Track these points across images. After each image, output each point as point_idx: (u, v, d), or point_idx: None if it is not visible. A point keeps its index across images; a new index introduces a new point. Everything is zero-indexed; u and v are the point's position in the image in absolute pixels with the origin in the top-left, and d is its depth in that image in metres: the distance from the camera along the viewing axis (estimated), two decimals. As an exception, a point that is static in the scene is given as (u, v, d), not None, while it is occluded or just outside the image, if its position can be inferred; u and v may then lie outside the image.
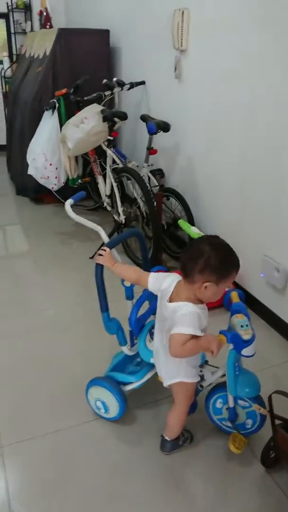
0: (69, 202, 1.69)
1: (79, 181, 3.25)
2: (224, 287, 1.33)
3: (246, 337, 1.39)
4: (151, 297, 1.73)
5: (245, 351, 1.41)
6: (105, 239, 1.66)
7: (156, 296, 1.74)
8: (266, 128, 2.07)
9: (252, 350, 1.43)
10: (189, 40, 2.57)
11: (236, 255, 1.34)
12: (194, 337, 1.30)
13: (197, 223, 2.67)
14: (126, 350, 1.69)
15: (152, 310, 1.75)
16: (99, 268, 1.53)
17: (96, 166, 3.10)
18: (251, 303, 2.31)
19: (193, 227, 2.35)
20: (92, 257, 2.98)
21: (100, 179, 3.10)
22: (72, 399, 1.80)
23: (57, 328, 2.29)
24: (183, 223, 2.38)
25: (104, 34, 3.53)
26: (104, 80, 3.04)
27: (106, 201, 3.07)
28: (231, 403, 1.55)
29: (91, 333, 2.23)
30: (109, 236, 2.87)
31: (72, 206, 1.71)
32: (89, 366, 1.96)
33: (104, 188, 3.09)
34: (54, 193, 3.64)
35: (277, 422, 1.44)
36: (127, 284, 1.67)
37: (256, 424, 1.56)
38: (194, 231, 2.30)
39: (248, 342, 1.40)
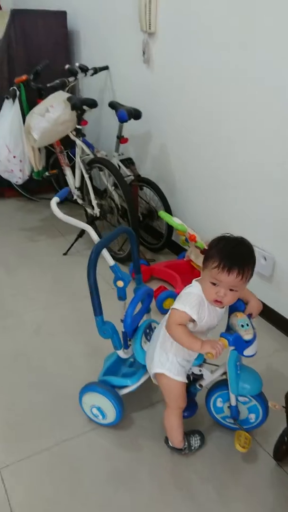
0: (54, 200, 1.56)
1: (46, 173, 3.08)
2: (207, 278, 1.27)
3: (247, 337, 1.35)
4: (144, 297, 1.66)
5: (247, 351, 1.38)
6: (95, 238, 1.55)
7: (148, 296, 1.68)
8: (239, 114, 2.02)
9: (254, 349, 1.39)
10: (158, 22, 2.46)
11: (232, 248, 1.24)
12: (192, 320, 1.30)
13: (174, 213, 2.60)
14: (122, 353, 1.61)
15: (145, 310, 1.68)
16: (92, 270, 1.42)
17: (63, 157, 2.94)
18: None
19: (174, 217, 2.28)
20: (65, 253, 2.85)
21: (68, 171, 2.95)
22: (65, 410, 1.71)
23: (36, 332, 2.16)
24: (164, 214, 2.30)
25: (60, 16, 3.32)
26: (67, 66, 2.86)
27: (76, 193, 2.93)
28: (233, 402, 1.51)
29: (74, 336, 2.13)
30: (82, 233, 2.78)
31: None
32: (77, 372, 1.87)
33: (72, 180, 2.94)
34: (17, 187, 3.44)
35: None
36: (120, 284, 1.57)
37: (259, 417, 1.54)
38: (177, 222, 2.23)
39: (249, 342, 1.36)
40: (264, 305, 2.19)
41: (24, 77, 2.87)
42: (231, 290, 1.27)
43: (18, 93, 2.86)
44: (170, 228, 2.70)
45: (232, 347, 1.36)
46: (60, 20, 3.33)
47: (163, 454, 1.55)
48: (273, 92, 1.85)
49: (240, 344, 1.33)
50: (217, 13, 2.04)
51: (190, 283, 1.38)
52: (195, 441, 1.54)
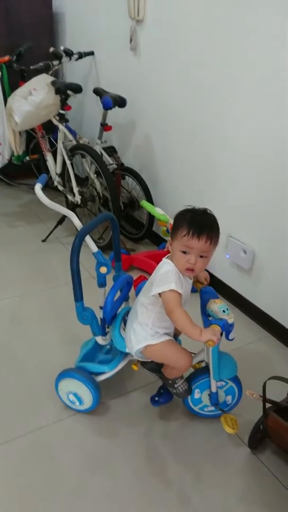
0: (39, 186, 1.54)
1: (27, 158, 3.02)
2: (178, 248, 1.33)
3: (231, 321, 1.41)
4: (124, 285, 1.66)
5: (231, 335, 1.43)
6: (78, 224, 1.54)
7: (128, 283, 1.68)
8: (226, 104, 2.03)
9: (234, 333, 1.44)
10: (147, 10, 2.43)
11: (198, 216, 1.33)
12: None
13: (156, 203, 2.59)
14: (100, 340, 1.60)
15: (124, 298, 1.69)
16: (75, 255, 1.40)
17: (45, 142, 2.89)
18: (215, 284, 2.30)
19: (157, 208, 2.27)
20: (44, 240, 2.81)
21: (49, 157, 2.90)
22: (41, 397, 1.70)
23: (11, 319, 2.13)
24: (146, 204, 2.29)
25: (46, -3, 3.25)
26: (51, 49, 2.80)
27: (56, 180, 2.89)
28: (214, 388, 1.55)
29: (50, 323, 2.11)
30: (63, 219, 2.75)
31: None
32: (53, 359, 1.86)
33: (53, 166, 2.90)
34: (-5, 171, 3.36)
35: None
36: (103, 270, 1.57)
37: (235, 398, 1.60)
38: (159, 212, 2.22)
39: (232, 326, 1.42)
40: (242, 297, 2.25)
41: (6, 57, 2.81)
42: (201, 257, 1.33)
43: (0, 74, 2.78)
44: (151, 219, 2.70)
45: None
46: (45, 1, 3.26)
47: (140, 440, 1.56)
48: (263, 82, 1.84)
49: (227, 329, 1.37)
50: (206, 2, 2.03)
51: None
52: (182, 384, 1.54)
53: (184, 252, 1.32)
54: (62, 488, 1.39)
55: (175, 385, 1.54)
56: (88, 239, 1.54)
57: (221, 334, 1.39)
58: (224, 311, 1.41)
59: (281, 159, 1.85)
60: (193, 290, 1.51)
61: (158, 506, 1.36)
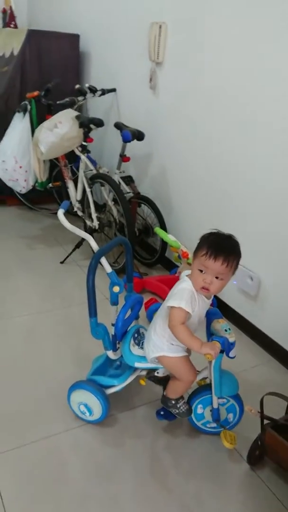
0: (61, 211, 1.70)
1: (50, 185, 3.22)
2: (196, 266, 1.43)
3: (232, 339, 1.51)
4: (134, 304, 1.79)
5: (231, 353, 1.53)
6: (95, 247, 1.69)
7: (138, 303, 1.81)
8: (237, 139, 2.19)
9: (235, 351, 1.55)
10: (166, 54, 2.65)
11: (220, 240, 1.43)
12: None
13: (169, 230, 2.74)
14: (111, 354, 1.72)
15: (134, 316, 1.80)
16: (91, 274, 1.54)
17: (67, 170, 3.08)
18: (222, 308, 2.41)
19: (169, 234, 2.42)
20: (62, 262, 2.97)
21: (70, 184, 3.09)
22: (54, 407, 1.80)
23: (28, 335, 2.25)
24: (160, 231, 2.44)
25: (74, 38, 3.52)
26: (77, 86, 3.04)
27: (76, 205, 3.07)
28: (215, 404, 1.64)
29: (64, 340, 2.23)
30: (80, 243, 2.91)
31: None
32: (65, 374, 1.96)
33: (74, 193, 3.08)
34: (19, 196, 3.58)
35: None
36: (116, 290, 1.70)
37: (236, 416, 1.68)
38: (171, 238, 2.37)
39: (233, 344, 1.52)
40: (248, 322, 2.34)
41: (35, 93, 3.04)
42: (217, 278, 1.41)
43: (29, 107, 3.02)
44: (164, 245, 2.84)
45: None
46: (73, 42, 3.54)
47: (145, 451, 1.65)
48: (274, 117, 2.00)
49: (227, 346, 1.48)
50: (222, 46, 2.22)
51: None
52: (183, 405, 1.64)
53: (201, 271, 1.41)
54: (69, 492, 1.48)
55: (177, 405, 1.64)
56: (103, 260, 1.68)
57: (222, 352, 1.50)
58: (226, 330, 1.52)
59: (285, 196, 1.99)
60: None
61: (160, 510, 1.44)
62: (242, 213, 2.26)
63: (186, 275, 1.51)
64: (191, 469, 1.60)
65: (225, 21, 2.19)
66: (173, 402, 1.64)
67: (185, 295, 1.44)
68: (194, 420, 1.72)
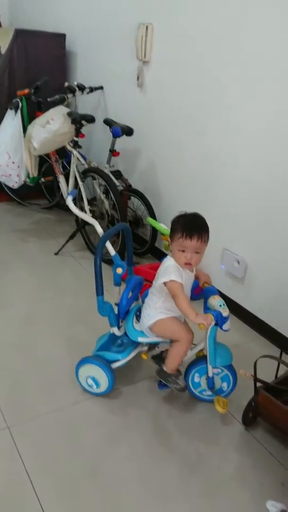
0: (70, 198, 1.83)
1: (42, 179, 3.33)
2: (176, 247, 1.63)
3: (225, 314, 1.68)
4: (136, 286, 1.93)
5: (225, 326, 1.70)
6: (100, 232, 1.82)
7: (139, 284, 1.96)
8: (221, 135, 2.37)
9: (229, 325, 1.71)
10: (152, 53, 2.80)
11: (190, 220, 1.63)
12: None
13: (159, 221, 2.88)
14: (116, 330, 1.87)
15: (135, 297, 1.95)
16: (99, 255, 1.69)
17: (58, 165, 3.20)
18: (212, 292, 2.59)
19: (160, 223, 2.57)
20: (57, 253, 3.08)
21: (61, 179, 3.21)
22: (62, 383, 1.94)
23: (28, 321, 2.38)
24: (151, 220, 2.59)
25: (59, 38, 3.63)
26: (66, 83, 3.16)
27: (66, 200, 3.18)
28: (210, 373, 1.80)
29: (67, 324, 2.36)
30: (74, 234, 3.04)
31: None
32: (70, 353, 2.10)
33: (66, 187, 3.20)
34: (9, 191, 3.66)
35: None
36: (119, 271, 1.84)
37: (230, 385, 1.85)
38: (163, 227, 2.52)
39: (227, 318, 1.68)
40: (235, 303, 2.52)
41: (26, 90, 3.14)
42: (196, 253, 1.63)
43: (20, 105, 3.11)
44: (153, 235, 2.99)
45: (212, 324, 1.65)
46: (59, 42, 3.64)
47: (149, 418, 1.81)
48: (264, 107, 2.15)
49: (220, 320, 1.64)
50: (207, 46, 2.39)
51: None
52: (181, 380, 1.81)
53: (182, 251, 1.62)
54: (84, 454, 1.63)
55: (177, 381, 1.80)
56: (108, 244, 1.82)
57: (217, 324, 1.67)
58: (220, 305, 1.68)
59: (270, 183, 2.17)
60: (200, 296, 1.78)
61: (166, 467, 1.61)
62: (228, 203, 2.44)
63: (169, 255, 1.73)
64: (191, 432, 1.77)
65: (209, 23, 2.35)
66: (173, 377, 1.80)
67: (172, 270, 1.65)
68: (192, 388, 1.88)
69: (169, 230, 2.49)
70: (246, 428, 1.78)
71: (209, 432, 1.78)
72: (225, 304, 1.69)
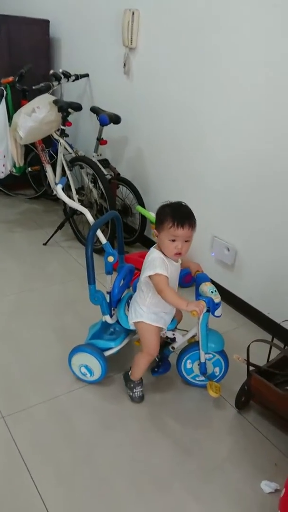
0: (60, 186, 1.81)
1: (29, 169, 3.29)
2: (166, 238, 1.60)
3: (217, 300, 1.69)
4: (127, 274, 1.93)
5: (217, 312, 1.71)
6: (91, 220, 1.81)
7: (130, 272, 1.96)
8: (206, 122, 2.36)
9: (220, 311, 1.72)
10: (139, 40, 2.77)
11: (178, 209, 1.60)
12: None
13: (148, 209, 2.88)
14: (108, 318, 1.87)
15: (127, 285, 1.96)
16: (90, 244, 1.67)
17: (45, 155, 3.16)
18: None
19: (150, 212, 2.57)
20: (46, 243, 3.06)
21: (48, 168, 3.17)
22: (55, 372, 1.94)
23: (18, 311, 2.36)
24: (141, 209, 2.58)
25: (44, 24, 3.56)
26: (51, 71, 3.11)
27: (55, 189, 3.15)
28: (202, 359, 1.82)
29: (57, 314, 2.36)
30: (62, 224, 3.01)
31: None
32: (61, 343, 2.10)
33: (53, 177, 3.17)
34: (-6, 182, 3.61)
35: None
36: (110, 259, 1.84)
37: (222, 370, 1.87)
38: (152, 215, 2.51)
39: (218, 304, 1.69)
40: (225, 290, 2.54)
41: (10, 78, 3.09)
42: (186, 241, 1.60)
43: (5, 93, 3.06)
44: (142, 224, 2.99)
45: (204, 310, 1.66)
46: (43, 28, 3.58)
47: (143, 404, 1.82)
48: (249, 94, 2.16)
49: (212, 306, 1.65)
50: (195, 31, 2.37)
51: None
52: (139, 391, 1.83)
53: (173, 240, 1.59)
54: (80, 441, 1.63)
55: (134, 390, 1.82)
56: (98, 232, 1.81)
57: (208, 311, 1.68)
58: (212, 292, 1.69)
59: (259, 170, 2.18)
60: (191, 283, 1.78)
61: (161, 452, 1.63)
62: (217, 188, 2.44)
63: (153, 247, 1.69)
64: (184, 417, 1.79)
65: (197, 7, 2.33)
66: (132, 385, 1.83)
67: (157, 263, 1.62)
68: (184, 374, 1.90)
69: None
70: (238, 411, 1.81)
71: (202, 417, 1.80)
72: (217, 291, 1.70)
